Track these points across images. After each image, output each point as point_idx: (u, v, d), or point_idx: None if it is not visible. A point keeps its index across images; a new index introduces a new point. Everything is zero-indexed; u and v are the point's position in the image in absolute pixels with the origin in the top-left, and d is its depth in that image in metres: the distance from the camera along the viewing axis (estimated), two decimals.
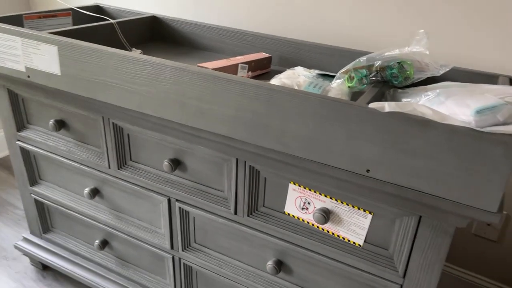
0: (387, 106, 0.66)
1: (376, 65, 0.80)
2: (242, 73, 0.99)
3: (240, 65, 0.97)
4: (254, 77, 1.03)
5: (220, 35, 1.21)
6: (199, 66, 0.89)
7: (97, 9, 1.36)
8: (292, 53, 1.14)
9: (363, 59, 0.80)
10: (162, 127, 0.94)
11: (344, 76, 0.83)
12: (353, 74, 0.82)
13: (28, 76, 1.01)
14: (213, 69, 0.88)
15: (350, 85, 0.82)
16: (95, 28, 1.10)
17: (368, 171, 0.72)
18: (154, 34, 1.31)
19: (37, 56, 0.95)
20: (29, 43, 0.95)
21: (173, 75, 0.84)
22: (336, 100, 0.71)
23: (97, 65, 0.91)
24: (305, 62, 1.12)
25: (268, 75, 1.08)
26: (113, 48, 0.89)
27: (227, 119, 0.82)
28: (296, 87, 0.82)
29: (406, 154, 0.68)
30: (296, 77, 0.87)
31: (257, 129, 0.79)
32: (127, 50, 1.16)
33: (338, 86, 0.81)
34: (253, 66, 1.02)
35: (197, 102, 0.83)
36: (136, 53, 1.09)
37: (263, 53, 1.10)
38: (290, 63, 1.14)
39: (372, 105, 0.67)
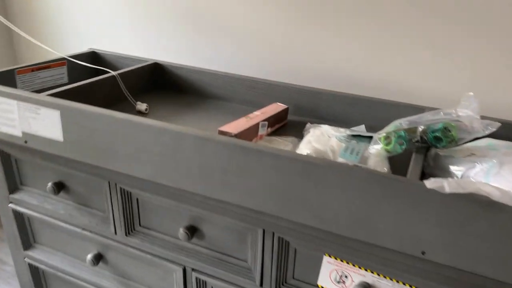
0: (447, 186, 0.60)
1: (420, 130, 0.74)
2: (262, 131, 0.91)
3: (260, 123, 0.89)
4: (273, 132, 0.96)
5: (229, 83, 1.14)
6: (221, 131, 0.81)
7: (93, 56, 1.28)
8: (308, 102, 1.07)
9: (404, 122, 0.74)
10: (179, 195, 0.86)
11: (381, 139, 0.76)
12: (391, 136, 0.75)
13: (26, 142, 0.91)
14: (236, 134, 0.80)
15: (387, 148, 0.75)
16: (96, 83, 1.01)
17: (423, 253, 0.65)
18: (157, 83, 1.23)
19: (36, 120, 0.86)
20: (27, 107, 0.86)
21: (194, 145, 0.76)
22: (386, 176, 0.64)
23: (105, 132, 0.82)
24: (323, 112, 1.06)
25: (286, 128, 1.01)
26: (124, 114, 0.80)
27: (256, 192, 0.74)
28: (330, 153, 0.75)
29: (469, 237, 0.61)
30: (327, 139, 0.80)
31: (290, 203, 0.72)
32: (132, 103, 1.08)
33: (377, 152, 0.74)
34: (271, 121, 0.95)
35: (222, 174, 0.75)
36: (142, 107, 1.01)
37: (279, 104, 1.03)
38: (306, 113, 1.07)
39: (430, 184, 0.60)
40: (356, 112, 1.03)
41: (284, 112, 1.01)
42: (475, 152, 0.75)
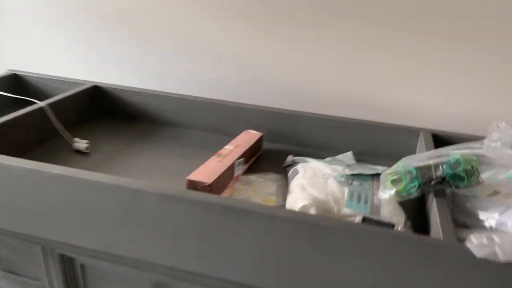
0: (500, 253, 0.46)
1: (435, 166, 0.60)
2: (238, 170, 0.75)
3: (235, 163, 0.72)
4: (248, 169, 0.79)
5: (186, 107, 0.96)
6: (190, 181, 0.63)
7: (14, 80, 1.04)
8: (283, 127, 0.91)
9: (416, 158, 0.60)
10: (138, 263, 0.67)
11: (390, 179, 0.62)
12: (401, 176, 0.62)
13: None
14: (212, 183, 0.63)
15: (399, 189, 0.62)
16: (19, 119, 0.79)
17: None
18: (98, 110, 1.01)
19: None
20: None
21: (158, 205, 0.57)
22: (419, 239, 0.50)
23: (37, 192, 0.62)
24: (301, 137, 0.91)
25: (261, 160, 0.85)
26: (58, 167, 0.60)
27: (244, 262, 0.57)
28: (333, 204, 0.60)
29: None
30: (323, 182, 0.65)
31: (293, 275, 0.56)
32: (69, 142, 0.86)
33: (390, 199, 0.60)
34: (247, 155, 0.78)
35: (199, 242, 0.57)
36: (81, 145, 0.81)
37: (251, 132, 0.87)
38: (281, 139, 0.92)
39: (479, 251, 0.47)
40: (340, 136, 0.89)
41: (259, 142, 0.85)
42: (499, 189, 0.63)
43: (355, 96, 1.00)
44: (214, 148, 0.89)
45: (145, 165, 0.80)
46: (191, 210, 0.56)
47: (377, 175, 0.68)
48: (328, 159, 0.85)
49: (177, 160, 0.83)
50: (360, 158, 0.87)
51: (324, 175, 0.67)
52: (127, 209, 0.59)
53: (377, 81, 0.97)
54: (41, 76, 1.03)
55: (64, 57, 1.17)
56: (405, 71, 0.95)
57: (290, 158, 0.81)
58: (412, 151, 0.86)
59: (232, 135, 0.94)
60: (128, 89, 0.98)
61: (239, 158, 0.74)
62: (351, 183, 0.65)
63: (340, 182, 0.64)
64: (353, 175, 0.67)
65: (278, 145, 0.92)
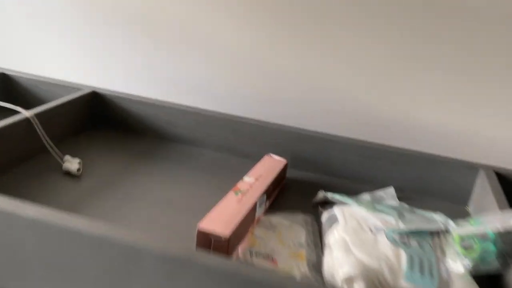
0: None
1: None
2: (260, 210, 0.61)
3: (257, 202, 0.58)
4: (270, 205, 0.65)
5: (199, 123, 0.82)
6: (202, 233, 0.49)
7: (2, 80, 0.91)
8: (310, 151, 0.77)
9: (496, 220, 0.46)
10: None
11: (460, 244, 0.48)
12: (475, 243, 0.47)
13: None
14: (230, 237, 0.49)
15: (473, 256, 0.47)
16: (3, 130, 0.66)
17: None
18: (95, 120, 0.88)
19: None
20: None
21: (159, 269, 0.43)
22: None
23: (4, 238, 0.48)
24: (332, 164, 0.76)
25: (284, 193, 0.70)
26: (34, 208, 0.47)
27: None
28: (387, 274, 0.46)
29: None
30: (372, 240, 0.50)
31: None
32: (59, 160, 0.73)
33: (464, 276, 0.46)
34: (270, 190, 0.64)
35: None
36: (72, 165, 0.66)
37: (274, 157, 0.73)
38: (308, 166, 0.77)
39: None
40: (380, 167, 0.75)
41: (283, 170, 0.71)
42: None
43: (399, 120, 0.85)
44: (229, 173, 0.75)
45: (146, 194, 0.66)
46: (202, 279, 0.42)
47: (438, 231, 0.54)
48: (365, 195, 0.71)
49: (186, 187, 0.69)
50: (402, 195, 0.73)
51: (371, 228, 0.53)
52: (118, 271, 0.45)
53: (427, 104, 0.83)
54: (33, 77, 0.90)
55: (60, 56, 1.03)
56: (463, 95, 0.80)
57: (321, 194, 0.67)
58: (468, 191, 0.72)
59: (251, 157, 0.81)
60: (132, 97, 0.85)
61: (261, 195, 0.60)
62: (408, 244, 0.50)
63: (393, 242, 0.50)
64: (408, 232, 0.53)
65: (304, 174, 0.78)
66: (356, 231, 0.52)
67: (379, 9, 0.80)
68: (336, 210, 0.59)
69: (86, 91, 0.85)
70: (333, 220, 0.57)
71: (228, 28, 0.89)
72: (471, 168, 0.71)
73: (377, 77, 0.84)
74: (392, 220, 0.54)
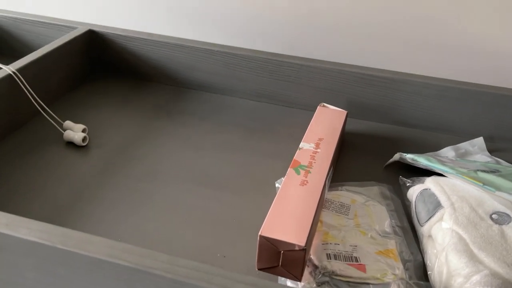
0: None
1: None
2: (327, 188, 0.46)
3: (326, 182, 0.44)
4: (332, 180, 0.51)
5: (230, 65, 0.65)
6: (266, 241, 0.35)
7: None
8: (373, 95, 0.61)
9: None
10: None
11: None
12: None
13: None
14: (305, 246, 0.34)
15: None
16: None
17: None
18: (95, 66, 0.70)
19: None
20: None
21: None
22: None
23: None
24: (400, 110, 0.60)
25: (345, 155, 0.56)
26: (33, 222, 0.33)
27: None
28: None
29: None
30: (498, 237, 0.36)
31: None
32: (55, 125, 0.57)
33: None
34: (336, 158, 0.49)
35: None
36: (76, 135, 0.51)
37: (329, 107, 0.57)
38: (370, 114, 0.62)
39: None
40: (462, 111, 0.59)
41: (344, 126, 0.56)
42: None
43: (487, 49, 0.67)
44: (274, 128, 0.60)
45: (172, 167, 0.51)
46: None
47: None
48: (447, 150, 0.56)
49: (221, 154, 0.54)
50: (493, 146, 0.58)
51: (492, 215, 0.39)
52: None
53: None
54: (11, 16, 0.71)
55: None
56: None
57: (397, 155, 0.52)
58: None
59: (295, 105, 0.65)
60: (142, 35, 0.67)
61: (329, 169, 0.45)
62: None
63: None
64: None
65: (364, 124, 0.62)
66: (473, 222, 0.38)
67: None
68: (431, 184, 0.44)
69: (81, 30, 0.67)
70: (432, 201, 0.42)
71: None
72: None
73: None
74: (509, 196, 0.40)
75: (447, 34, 0.67)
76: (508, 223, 0.38)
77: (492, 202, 0.40)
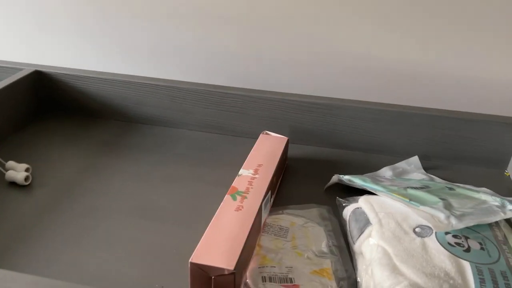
0: None
1: None
2: (265, 211, 0.48)
3: (262, 204, 0.45)
4: (274, 204, 0.52)
5: (176, 99, 0.67)
6: (196, 266, 0.36)
7: None
8: (312, 121, 0.63)
9: None
10: None
11: None
12: None
13: None
14: (234, 269, 0.35)
15: None
16: None
17: None
18: (42, 107, 0.71)
19: None
20: None
21: None
22: None
23: None
24: (339, 134, 0.63)
25: (288, 178, 0.57)
26: None
27: None
28: None
29: None
30: (420, 249, 0.38)
31: None
32: None
33: None
34: (274, 183, 0.51)
35: None
36: (19, 174, 0.51)
37: (271, 134, 0.59)
38: (310, 138, 0.64)
39: None
40: (396, 132, 0.62)
41: (285, 151, 0.58)
42: None
43: (417, 74, 0.71)
44: (218, 157, 0.61)
45: (118, 201, 0.52)
46: None
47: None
48: (385, 170, 0.59)
49: (167, 185, 0.55)
50: (429, 164, 0.61)
51: (415, 228, 0.41)
52: None
53: (447, 51, 0.69)
54: None
55: None
56: (487, 39, 0.66)
57: (335, 177, 0.54)
58: (507, 153, 0.60)
59: (241, 133, 0.67)
60: (87, 73, 0.68)
61: (266, 194, 0.47)
62: (467, 248, 0.38)
63: (448, 248, 0.38)
64: (467, 229, 0.40)
65: (306, 149, 0.65)
66: (397, 237, 0.40)
67: None
68: (362, 202, 0.46)
69: (27, 71, 0.68)
70: (362, 219, 0.44)
71: None
72: (510, 125, 0.59)
73: (382, 25, 0.69)
74: (438, 213, 0.42)
75: (381, 61, 0.72)
76: (429, 236, 0.40)
77: (416, 216, 0.42)
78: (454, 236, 0.40)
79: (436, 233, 0.40)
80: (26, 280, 0.31)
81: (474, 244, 0.39)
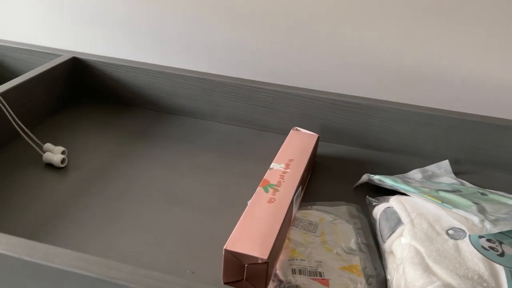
0: None
1: None
2: (296, 207, 0.48)
3: (294, 197, 0.46)
4: (303, 199, 0.53)
5: (207, 91, 0.67)
6: (230, 254, 0.37)
7: None
8: (344, 121, 0.63)
9: None
10: None
11: None
12: None
13: None
14: (268, 259, 0.36)
15: None
16: None
17: None
18: (78, 93, 0.73)
19: None
20: None
21: None
22: None
23: None
24: (370, 135, 0.63)
25: (317, 177, 0.58)
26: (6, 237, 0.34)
27: None
28: None
29: None
30: (453, 251, 0.38)
31: None
32: (34, 147, 0.59)
33: None
34: (305, 178, 0.51)
35: None
36: (55, 156, 0.52)
37: (301, 131, 0.59)
38: (340, 138, 0.64)
39: None
40: (429, 136, 0.62)
41: (315, 148, 0.58)
42: None
43: (452, 79, 0.71)
44: (248, 151, 0.62)
45: (147, 188, 0.53)
46: None
47: None
48: (414, 172, 0.58)
49: (196, 175, 0.56)
50: (459, 169, 0.61)
51: (448, 230, 0.41)
52: None
53: (483, 58, 0.68)
54: (1, 44, 0.74)
55: (32, 16, 0.86)
56: None
57: (365, 177, 0.55)
58: None
59: (270, 128, 0.67)
60: (123, 62, 0.70)
61: (297, 188, 0.47)
62: (501, 252, 0.38)
63: (482, 251, 0.38)
64: (501, 234, 0.40)
65: (335, 147, 0.65)
66: (430, 237, 0.40)
67: None
68: (394, 202, 0.46)
69: (65, 57, 0.69)
70: (393, 218, 0.44)
71: None
72: None
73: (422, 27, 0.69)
74: (472, 216, 0.42)
75: (421, 65, 0.71)
76: (463, 238, 0.40)
77: (448, 218, 0.42)
78: (488, 240, 0.40)
79: (469, 236, 0.40)
80: (69, 256, 0.32)
81: (508, 249, 0.39)
